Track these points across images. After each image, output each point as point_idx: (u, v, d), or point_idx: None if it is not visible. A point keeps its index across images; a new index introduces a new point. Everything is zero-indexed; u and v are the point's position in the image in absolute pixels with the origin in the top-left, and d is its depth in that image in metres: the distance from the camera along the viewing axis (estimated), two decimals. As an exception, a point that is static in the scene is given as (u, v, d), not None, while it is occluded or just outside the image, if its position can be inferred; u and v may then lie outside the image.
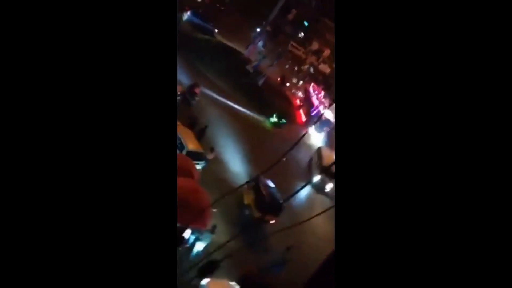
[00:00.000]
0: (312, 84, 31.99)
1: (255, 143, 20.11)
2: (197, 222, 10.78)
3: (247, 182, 15.36)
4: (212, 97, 21.47)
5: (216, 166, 15.66)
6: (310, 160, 22.51)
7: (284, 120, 23.89)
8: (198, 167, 13.45)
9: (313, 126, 25.11)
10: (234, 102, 22.78)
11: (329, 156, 21.15)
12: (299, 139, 12.73)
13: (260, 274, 11.34)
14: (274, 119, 23.76)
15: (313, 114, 27.61)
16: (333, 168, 19.72)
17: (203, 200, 10.84)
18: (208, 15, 30.59)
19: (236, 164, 17.29)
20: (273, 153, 19.82)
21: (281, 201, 14.62)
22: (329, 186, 20.35)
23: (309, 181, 19.55)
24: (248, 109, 23.27)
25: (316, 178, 20.40)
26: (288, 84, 30.82)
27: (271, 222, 14.44)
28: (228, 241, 10.05)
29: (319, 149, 22.42)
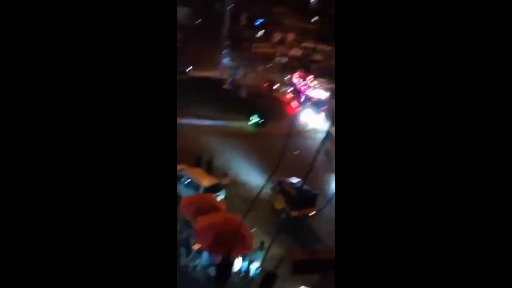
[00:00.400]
0: (297, 73, 32.19)
1: (262, 151, 20.27)
2: (242, 248, 11.14)
3: (271, 188, 15.68)
4: (204, 127, 22.02)
5: (237, 188, 15.99)
6: (326, 151, 21.13)
7: (262, 119, 23.19)
8: (221, 197, 13.93)
9: (308, 110, 25.34)
10: (226, 123, 23.16)
11: None
12: (291, 129, 12.82)
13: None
14: (254, 119, 23.37)
15: (302, 100, 27.85)
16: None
17: (238, 226, 11.05)
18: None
19: (254, 177, 17.56)
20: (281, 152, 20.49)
21: (311, 191, 14.82)
22: None
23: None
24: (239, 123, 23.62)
25: None
26: (276, 86, 31.01)
27: (311, 214, 14.67)
28: (269, 245, 10.03)
29: (329, 133, 21.70)
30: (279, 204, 15.09)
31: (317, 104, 26.03)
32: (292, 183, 15.21)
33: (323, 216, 13.64)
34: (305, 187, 14.88)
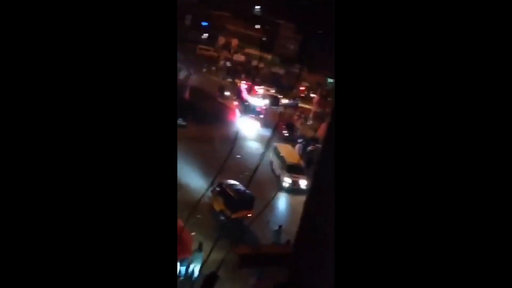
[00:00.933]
0: (244, 81, 32.90)
1: (202, 154, 20.44)
2: (182, 252, 11.28)
3: (211, 190, 15.88)
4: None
5: (182, 192, 15.70)
6: (271, 163, 21.35)
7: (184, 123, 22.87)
8: None
9: (247, 117, 26.11)
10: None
11: (290, 152, 21.09)
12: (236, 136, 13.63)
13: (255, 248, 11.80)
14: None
15: (242, 107, 28.47)
16: (300, 163, 20.52)
17: (180, 231, 10.93)
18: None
19: (193, 180, 17.48)
20: (223, 156, 20.82)
21: (249, 194, 15.26)
22: (303, 183, 19.28)
23: (280, 188, 18.75)
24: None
25: (287, 181, 19.19)
26: (227, 93, 31.52)
27: (249, 215, 15.17)
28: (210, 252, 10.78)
29: (275, 148, 21.54)
30: (218, 205, 15.41)
31: (253, 112, 26.92)
32: (231, 184, 15.78)
33: (260, 219, 14.39)
34: (244, 188, 15.36)
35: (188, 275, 11.75)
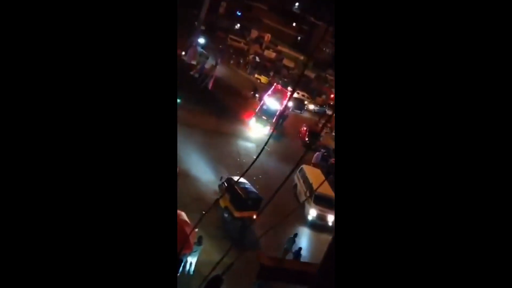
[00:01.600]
0: (276, 85, 30.28)
1: (215, 148, 19.94)
2: (184, 249, 11.01)
3: (219, 185, 15.72)
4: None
5: (187, 183, 15.63)
6: (295, 186, 19.08)
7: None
8: None
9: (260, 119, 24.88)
10: (190, 113, 22.49)
11: (319, 179, 18.15)
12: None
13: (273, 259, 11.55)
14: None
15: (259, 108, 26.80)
16: (331, 194, 17.52)
17: (184, 227, 10.84)
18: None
19: (205, 173, 17.25)
20: (233, 153, 20.63)
21: (258, 195, 14.74)
22: (331, 219, 16.97)
23: (305, 222, 16.93)
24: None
25: (312, 214, 16.99)
26: (258, 95, 30.01)
27: (254, 217, 14.48)
28: (222, 258, 9.62)
29: (301, 170, 19.36)
30: (224, 202, 14.83)
31: (268, 113, 25.16)
32: (241, 183, 14.97)
33: (259, 222, 14.33)
34: (252, 189, 14.97)
35: (184, 269, 11.62)
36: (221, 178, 16.05)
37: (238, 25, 44.16)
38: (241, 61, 37.61)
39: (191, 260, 11.65)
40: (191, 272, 11.62)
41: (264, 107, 25.36)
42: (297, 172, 19.37)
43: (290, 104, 28.24)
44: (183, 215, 11.81)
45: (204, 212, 12.89)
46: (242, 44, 40.99)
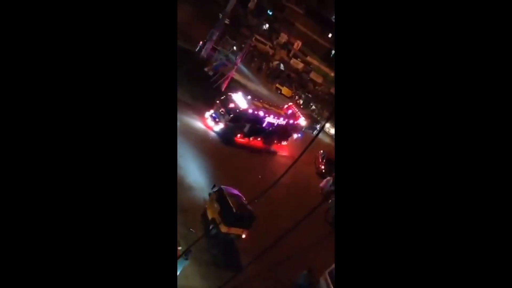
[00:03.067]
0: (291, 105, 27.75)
1: (215, 157, 18.80)
2: None
3: (209, 193, 14.90)
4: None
5: (179, 190, 14.30)
6: (328, 210, 18.49)
7: None
8: None
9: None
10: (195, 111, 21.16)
11: None
12: None
13: None
14: None
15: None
16: None
17: None
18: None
19: (197, 179, 16.46)
20: (234, 163, 19.65)
21: (251, 212, 14.00)
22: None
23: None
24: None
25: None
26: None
27: (243, 236, 13.95)
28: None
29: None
30: (212, 213, 14.12)
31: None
32: (233, 194, 14.35)
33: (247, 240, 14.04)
34: (246, 204, 14.03)
35: None
36: (213, 186, 15.07)
37: (267, 25, 42.05)
38: (263, 66, 35.76)
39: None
40: None
41: (231, 105, 21.50)
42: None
43: (303, 122, 25.44)
44: None
45: (191, 229, 12.93)
46: (267, 47, 39.03)
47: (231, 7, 28.05)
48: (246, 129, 21.59)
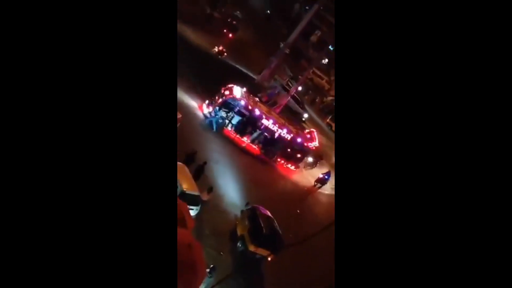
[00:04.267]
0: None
1: (255, 178, 19.56)
2: (187, 285, 10.59)
3: (241, 210, 15.51)
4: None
5: (213, 212, 15.14)
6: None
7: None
8: (194, 212, 13.07)
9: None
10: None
11: None
12: None
13: None
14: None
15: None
16: None
17: (197, 257, 10.44)
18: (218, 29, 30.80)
19: (234, 198, 17.10)
20: (270, 186, 20.16)
21: (280, 235, 14.37)
22: None
23: None
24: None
25: None
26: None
27: (269, 258, 14.07)
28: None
29: None
30: (242, 229, 14.76)
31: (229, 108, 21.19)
32: (267, 217, 14.91)
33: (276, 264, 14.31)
34: (278, 229, 14.67)
35: None
36: (247, 203, 15.94)
37: (327, 60, 41.95)
38: (317, 99, 36.71)
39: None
40: None
41: (229, 99, 20.50)
42: None
43: (314, 146, 23.51)
44: (200, 250, 10.97)
45: (221, 253, 13.71)
46: (324, 82, 40.06)
47: (294, 38, 29.25)
48: (234, 121, 20.42)
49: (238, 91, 20.79)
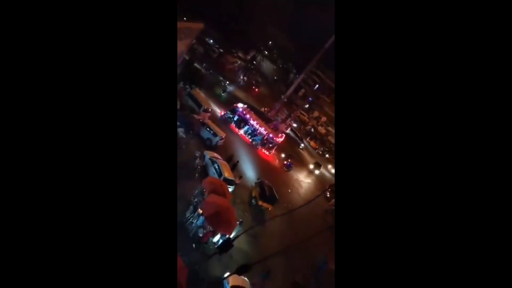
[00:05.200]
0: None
1: (269, 173, 23.36)
2: (225, 230, 12.95)
3: (255, 182, 19.61)
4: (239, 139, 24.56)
5: (241, 188, 19.01)
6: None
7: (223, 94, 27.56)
8: (231, 189, 16.23)
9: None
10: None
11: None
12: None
13: None
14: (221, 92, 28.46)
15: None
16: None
17: (231, 215, 12.96)
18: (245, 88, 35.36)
19: (251, 177, 20.91)
20: (280, 178, 23.40)
21: (275, 195, 18.51)
22: None
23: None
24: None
25: None
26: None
27: (269, 209, 18.32)
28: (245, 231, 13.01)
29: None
30: (254, 192, 18.89)
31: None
32: (268, 185, 19.38)
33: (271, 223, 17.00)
34: (274, 191, 19.02)
35: (214, 243, 13.20)
36: (258, 178, 20.07)
37: (307, 105, 52.97)
38: (301, 127, 45.77)
39: (226, 238, 13.10)
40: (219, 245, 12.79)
41: (235, 108, 25.75)
42: None
43: (279, 139, 28.35)
44: (233, 210, 14.33)
45: (245, 213, 16.86)
46: (306, 118, 48.96)
47: (289, 93, 36.96)
48: (235, 119, 26.10)
49: (240, 105, 26.30)
